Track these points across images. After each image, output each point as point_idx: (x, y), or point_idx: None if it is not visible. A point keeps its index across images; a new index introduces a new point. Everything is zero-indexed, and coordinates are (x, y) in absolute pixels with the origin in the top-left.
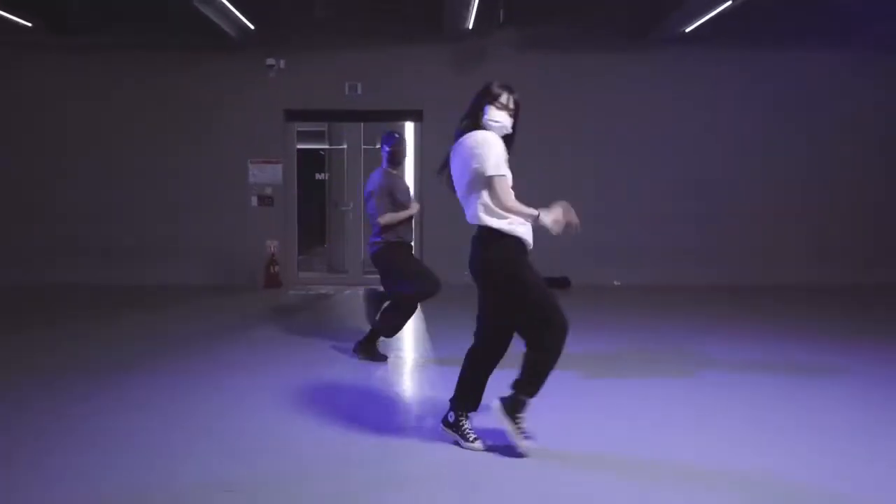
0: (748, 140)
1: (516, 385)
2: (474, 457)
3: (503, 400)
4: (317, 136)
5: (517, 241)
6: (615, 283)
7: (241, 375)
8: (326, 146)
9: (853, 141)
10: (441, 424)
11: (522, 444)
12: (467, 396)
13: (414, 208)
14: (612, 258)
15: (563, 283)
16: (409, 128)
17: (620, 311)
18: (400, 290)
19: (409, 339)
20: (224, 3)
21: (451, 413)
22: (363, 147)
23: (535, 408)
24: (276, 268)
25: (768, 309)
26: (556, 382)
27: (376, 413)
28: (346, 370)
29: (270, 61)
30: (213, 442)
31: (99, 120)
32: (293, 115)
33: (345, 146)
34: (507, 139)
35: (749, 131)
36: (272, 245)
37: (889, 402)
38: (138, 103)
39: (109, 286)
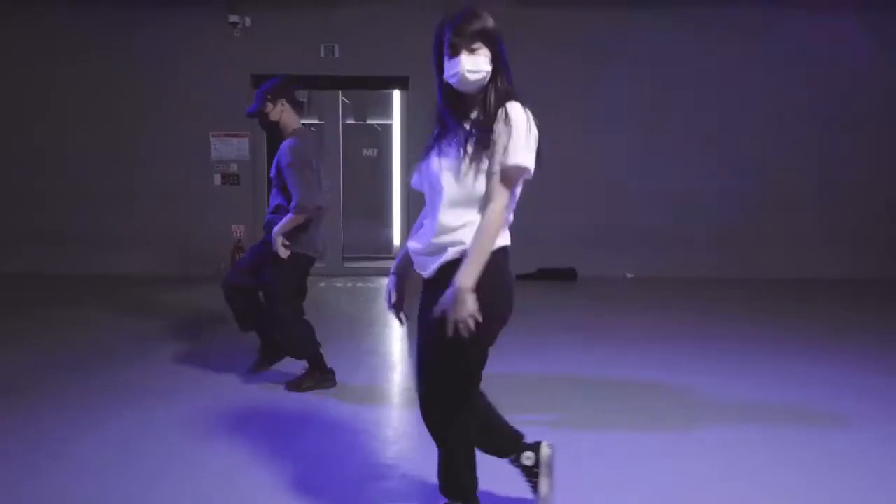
0: (780, 118)
1: None
2: None
3: None
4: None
5: None
6: (627, 275)
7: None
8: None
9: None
10: None
11: None
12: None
13: None
14: (624, 247)
15: (569, 274)
16: (397, 98)
17: (644, 312)
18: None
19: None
20: None
21: None
22: (341, 123)
23: None
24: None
25: (808, 308)
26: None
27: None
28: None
29: (234, 18)
30: None
31: (35, 89)
32: (261, 81)
33: (321, 122)
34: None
35: (783, 107)
36: (238, 230)
37: None
38: (80, 69)
39: (59, 276)
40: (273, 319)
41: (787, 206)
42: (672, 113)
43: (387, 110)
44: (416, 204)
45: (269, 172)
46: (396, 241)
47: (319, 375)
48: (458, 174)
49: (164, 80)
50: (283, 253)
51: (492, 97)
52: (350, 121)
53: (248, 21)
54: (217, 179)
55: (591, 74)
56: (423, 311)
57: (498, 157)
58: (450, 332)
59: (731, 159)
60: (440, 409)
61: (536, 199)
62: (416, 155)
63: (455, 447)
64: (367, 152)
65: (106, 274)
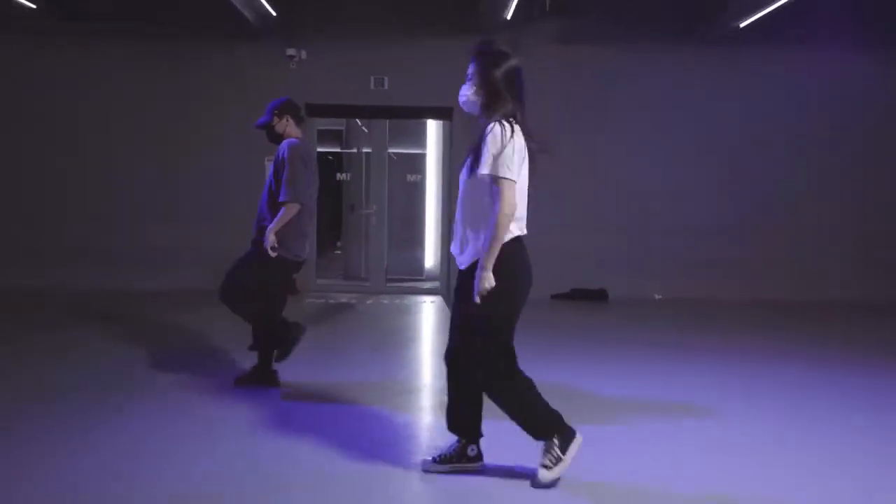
0: (798, 145)
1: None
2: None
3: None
4: (333, 137)
5: None
6: (656, 296)
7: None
8: (339, 150)
9: None
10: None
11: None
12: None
13: None
14: (653, 269)
15: (600, 295)
16: (431, 127)
17: (676, 331)
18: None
19: None
20: None
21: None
22: (388, 151)
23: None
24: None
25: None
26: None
27: None
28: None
29: (291, 51)
30: None
31: (103, 113)
32: (314, 111)
33: (363, 150)
34: None
35: (796, 136)
36: None
37: None
38: (146, 96)
39: (114, 291)
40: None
41: (807, 231)
42: (697, 144)
43: (420, 140)
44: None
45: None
46: (428, 264)
47: (262, 374)
48: (467, 185)
49: (226, 106)
50: (273, 252)
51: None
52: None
53: (304, 54)
54: None
55: (621, 106)
56: (458, 290)
57: (482, 169)
58: (476, 300)
59: (746, 190)
60: (463, 358)
61: (571, 224)
62: (458, 174)
63: (475, 393)
64: (410, 178)
65: (165, 289)
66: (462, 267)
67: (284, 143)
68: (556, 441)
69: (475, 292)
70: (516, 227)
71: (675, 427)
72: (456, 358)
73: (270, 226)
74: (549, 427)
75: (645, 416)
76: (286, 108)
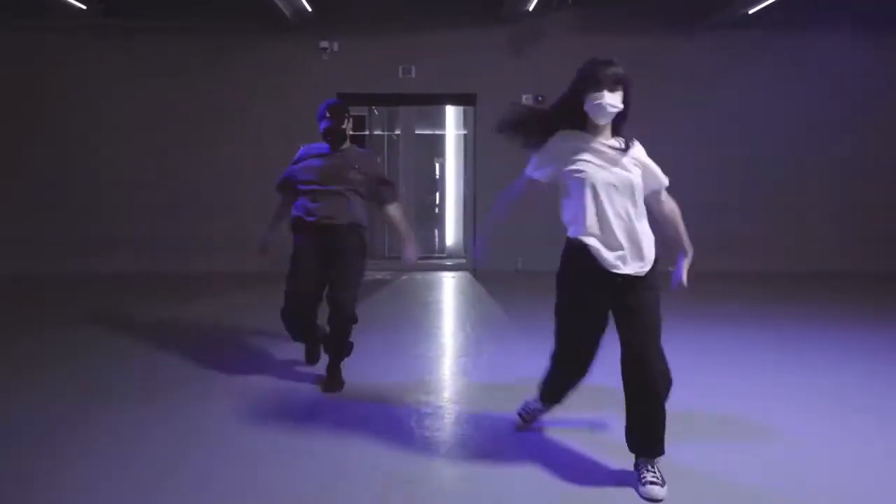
0: (810, 126)
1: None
2: None
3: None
4: (355, 122)
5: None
6: (669, 269)
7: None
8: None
9: None
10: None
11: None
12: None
13: None
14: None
15: None
16: (450, 112)
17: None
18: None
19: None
20: None
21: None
22: (416, 132)
23: None
24: None
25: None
26: None
27: None
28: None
29: (324, 44)
30: None
31: (145, 106)
32: (346, 99)
33: (386, 133)
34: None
35: (808, 117)
36: None
37: None
38: (186, 88)
39: (162, 274)
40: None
41: (807, 209)
42: (707, 131)
43: (440, 121)
44: (483, 207)
45: None
46: (449, 241)
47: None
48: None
49: (262, 98)
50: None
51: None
52: (424, 131)
53: (335, 46)
54: None
55: (638, 90)
56: (641, 298)
57: (664, 180)
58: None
59: (756, 168)
60: (660, 364)
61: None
62: (484, 163)
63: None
64: (436, 161)
65: (206, 271)
66: (643, 272)
67: (363, 150)
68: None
69: (684, 280)
70: (571, 229)
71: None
72: (653, 367)
73: (406, 231)
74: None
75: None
76: (348, 110)
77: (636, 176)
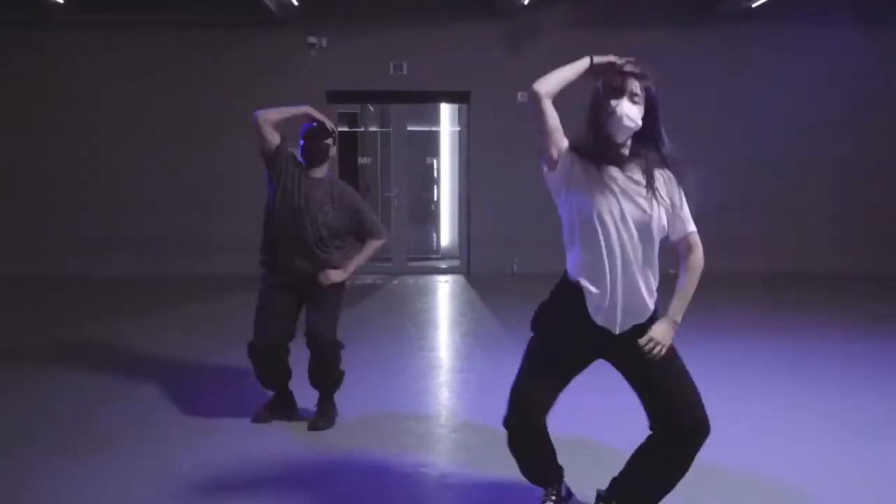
0: (810, 124)
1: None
2: None
3: None
4: (348, 119)
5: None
6: (670, 271)
7: None
8: (361, 129)
9: None
10: None
11: None
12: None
13: None
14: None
15: None
16: (444, 110)
17: None
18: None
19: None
20: None
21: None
22: (408, 128)
23: None
24: None
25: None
26: None
27: None
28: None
29: (312, 39)
30: None
31: (129, 103)
32: (335, 96)
33: (380, 129)
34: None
35: (809, 115)
36: None
37: None
38: (171, 84)
39: (150, 276)
40: None
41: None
42: (705, 127)
43: (434, 117)
44: (476, 209)
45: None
46: (444, 242)
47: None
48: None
49: (249, 92)
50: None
51: None
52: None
53: (324, 42)
54: None
55: None
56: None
57: (689, 226)
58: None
59: (757, 165)
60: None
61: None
62: (478, 161)
63: None
64: (429, 160)
65: (193, 274)
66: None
67: (336, 180)
68: None
69: (662, 346)
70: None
71: None
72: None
73: (358, 261)
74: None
75: None
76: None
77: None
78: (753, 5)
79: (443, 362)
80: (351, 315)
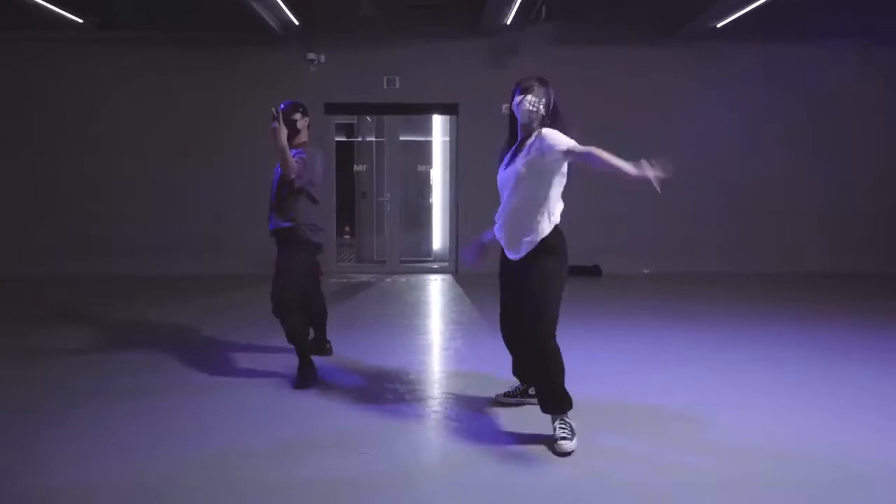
0: (776, 136)
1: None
2: None
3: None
4: (345, 129)
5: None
6: (644, 271)
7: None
8: (359, 139)
9: (875, 137)
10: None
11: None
12: None
13: None
14: (642, 249)
15: (594, 271)
16: (437, 121)
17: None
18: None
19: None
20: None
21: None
22: (400, 138)
23: None
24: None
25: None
26: None
27: None
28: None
29: (311, 56)
30: None
31: (134, 116)
32: (332, 109)
33: (376, 139)
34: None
35: (777, 127)
36: None
37: None
38: (176, 98)
39: (161, 277)
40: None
41: (773, 218)
42: (680, 140)
43: (426, 128)
44: (465, 214)
45: (335, 187)
46: (436, 246)
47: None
48: (516, 181)
49: (249, 107)
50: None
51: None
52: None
53: (322, 57)
54: None
55: (612, 100)
56: (520, 279)
57: (559, 146)
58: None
59: (729, 178)
60: (541, 333)
61: (571, 213)
62: (465, 169)
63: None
64: (421, 168)
65: (199, 274)
66: (517, 258)
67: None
68: (568, 415)
69: (654, 182)
70: (559, 217)
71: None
72: (532, 335)
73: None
74: (567, 400)
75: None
76: (307, 112)
77: (521, 166)
78: (718, 25)
79: (430, 341)
80: (346, 305)
